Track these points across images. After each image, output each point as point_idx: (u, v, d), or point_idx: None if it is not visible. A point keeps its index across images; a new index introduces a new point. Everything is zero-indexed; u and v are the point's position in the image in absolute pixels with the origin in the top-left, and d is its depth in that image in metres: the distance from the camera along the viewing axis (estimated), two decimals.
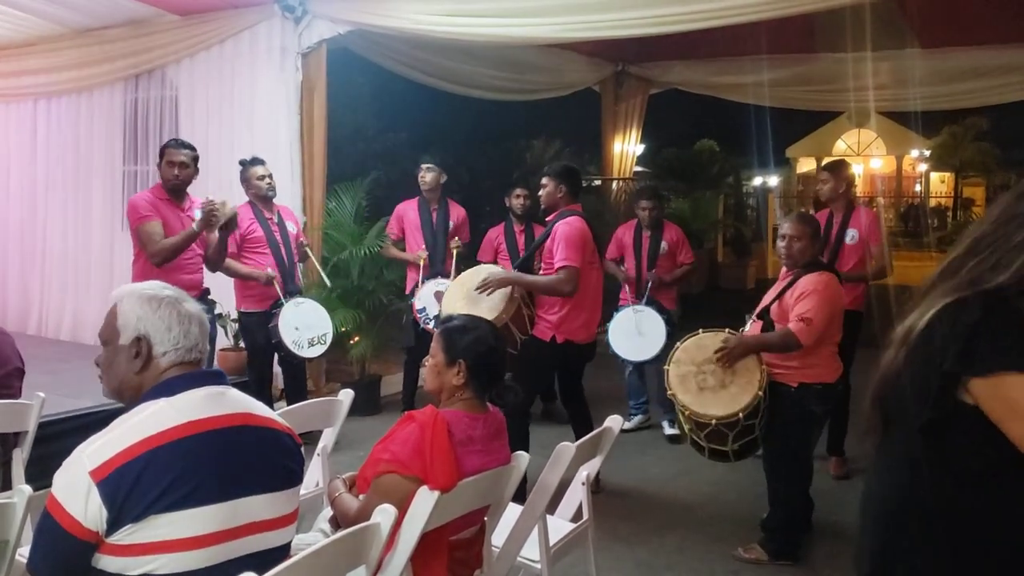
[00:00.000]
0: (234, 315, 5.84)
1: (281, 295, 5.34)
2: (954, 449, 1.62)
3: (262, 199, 5.46)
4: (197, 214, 4.97)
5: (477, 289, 4.51)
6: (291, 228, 5.63)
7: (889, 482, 1.75)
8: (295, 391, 5.63)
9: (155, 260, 4.71)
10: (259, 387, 5.45)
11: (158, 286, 1.96)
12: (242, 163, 5.53)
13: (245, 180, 5.50)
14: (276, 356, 5.58)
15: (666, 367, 4.04)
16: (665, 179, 15.19)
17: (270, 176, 5.48)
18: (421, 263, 5.94)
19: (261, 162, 5.52)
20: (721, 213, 15.81)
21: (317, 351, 5.51)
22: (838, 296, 3.97)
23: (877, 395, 1.76)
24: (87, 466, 1.69)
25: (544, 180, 4.72)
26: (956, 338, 1.59)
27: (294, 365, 5.65)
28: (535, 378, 4.62)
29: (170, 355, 1.89)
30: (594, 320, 4.72)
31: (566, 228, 4.47)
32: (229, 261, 5.34)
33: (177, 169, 4.90)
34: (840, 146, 29.27)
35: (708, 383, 3.89)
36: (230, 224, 4.89)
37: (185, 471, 1.74)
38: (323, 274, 5.75)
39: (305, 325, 5.40)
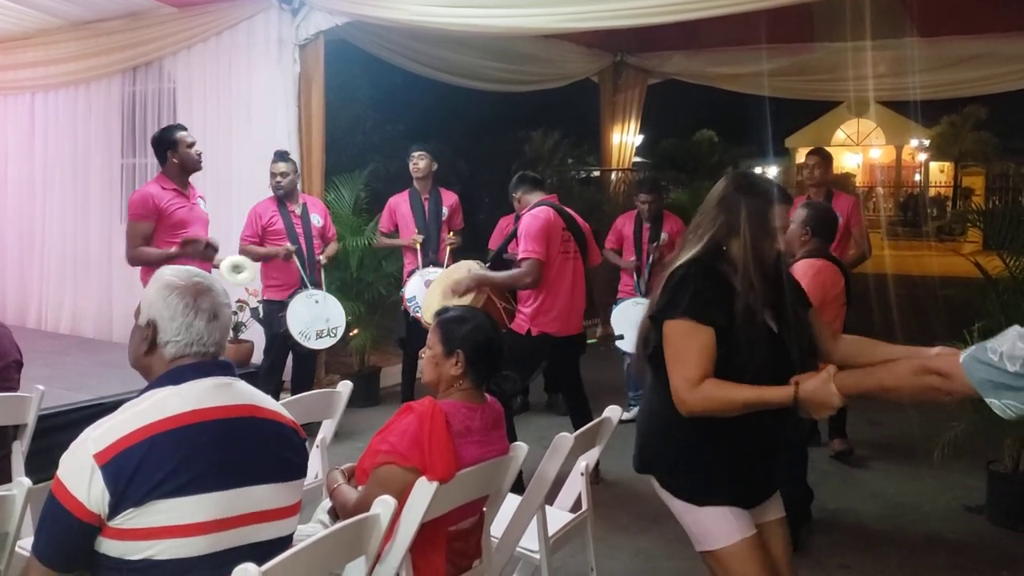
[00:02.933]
0: (234, 307, 5.86)
1: (303, 274, 5.44)
2: (666, 375, 2.31)
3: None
4: (201, 204, 5.04)
5: (452, 291, 4.50)
6: (316, 221, 5.65)
7: (645, 403, 2.56)
8: (301, 381, 5.67)
9: (129, 262, 4.85)
10: (269, 375, 5.50)
11: (183, 273, 1.96)
12: (274, 154, 5.60)
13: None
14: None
15: None
16: (664, 169, 15.21)
17: (282, 175, 5.48)
18: (417, 247, 5.91)
19: (283, 158, 5.54)
20: None
21: (325, 343, 5.54)
22: (828, 282, 3.94)
23: (639, 345, 2.51)
24: (91, 449, 1.72)
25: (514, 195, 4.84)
26: (664, 293, 2.33)
27: (304, 356, 5.68)
28: (516, 371, 4.60)
29: (171, 346, 1.90)
30: (572, 312, 4.61)
31: (529, 220, 4.46)
32: (248, 245, 5.47)
33: (195, 152, 4.92)
34: (839, 136, 29.27)
35: None
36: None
37: (187, 458, 1.75)
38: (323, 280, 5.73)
39: (315, 317, 5.42)
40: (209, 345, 1.93)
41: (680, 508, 2.40)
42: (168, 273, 1.96)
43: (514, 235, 4.67)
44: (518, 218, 6.02)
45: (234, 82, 6.54)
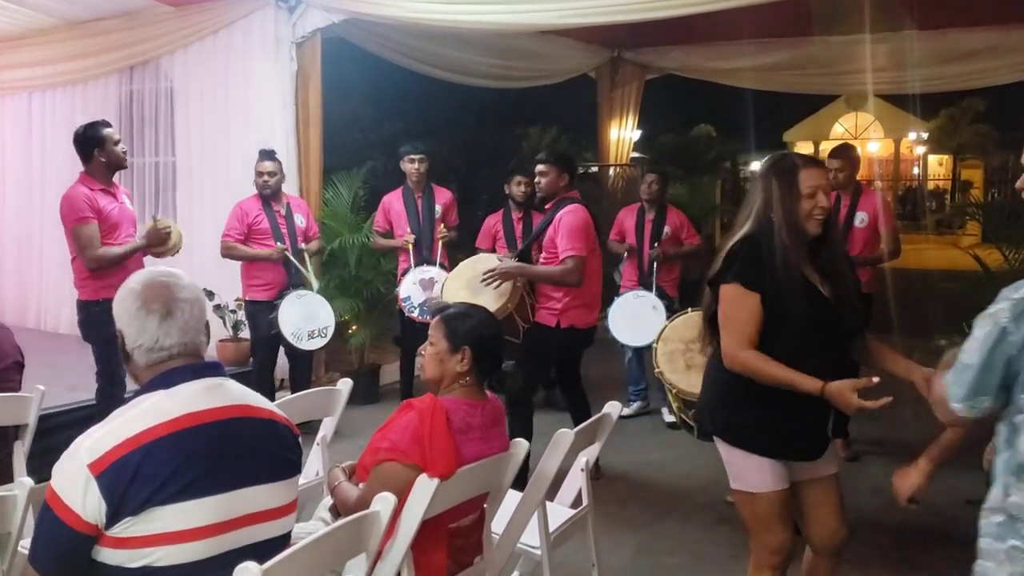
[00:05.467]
0: (232, 306, 5.84)
1: (293, 274, 5.40)
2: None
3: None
4: (127, 202, 4.81)
5: (482, 280, 4.51)
6: (299, 221, 5.62)
7: (709, 366, 2.80)
8: (299, 381, 5.65)
9: (92, 266, 4.43)
10: (261, 376, 5.47)
11: (145, 275, 1.92)
12: (259, 152, 5.54)
13: (255, 170, 5.51)
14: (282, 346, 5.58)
15: (654, 345, 4.08)
16: (662, 165, 15.17)
17: (270, 174, 5.43)
18: (410, 247, 5.91)
19: (269, 157, 5.48)
20: (719, 198, 15.80)
21: (317, 344, 5.52)
22: None
23: (705, 318, 2.77)
24: (85, 459, 1.69)
25: (543, 167, 4.67)
26: (721, 263, 2.63)
27: (298, 356, 5.65)
28: (539, 365, 4.63)
29: (138, 352, 1.87)
30: (596, 305, 4.74)
31: (571, 218, 4.46)
32: (237, 245, 5.42)
33: (120, 149, 4.68)
34: (837, 129, 29.23)
35: (695, 361, 3.94)
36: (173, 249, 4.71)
37: (183, 463, 1.74)
38: (312, 279, 5.63)
39: (306, 317, 5.40)
40: (171, 348, 1.86)
41: (723, 448, 2.72)
42: (133, 281, 1.91)
43: (541, 231, 4.66)
44: (522, 203, 5.99)
45: (231, 81, 6.54)
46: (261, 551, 1.79)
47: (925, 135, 29.19)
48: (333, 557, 2.06)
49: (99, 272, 4.46)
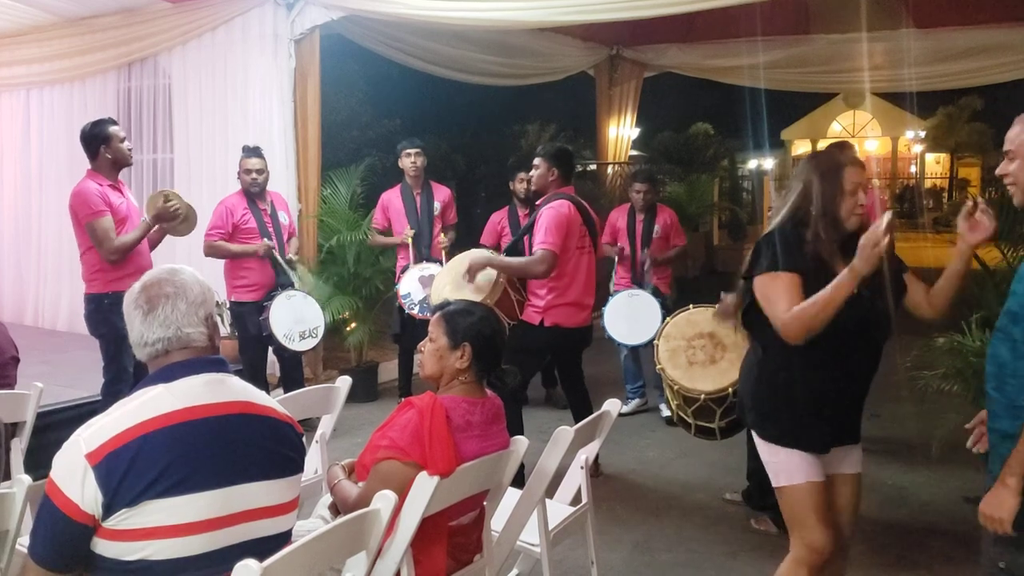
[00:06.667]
0: (230, 304, 5.84)
1: (283, 274, 5.37)
2: (758, 329, 2.72)
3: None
4: (131, 198, 4.84)
5: (464, 276, 4.50)
6: (283, 219, 5.60)
7: (745, 359, 2.88)
8: (291, 381, 5.63)
9: (113, 258, 4.47)
10: (252, 375, 5.44)
11: (145, 278, 1.95)
12: (243, 150, 5.50)
13: (240, 168, 5.47)
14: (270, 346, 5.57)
15: (656, 342, 4.08)
16: (660, 163, 15.18)
17: (258, 172, 5.41)
18: (409, 242, 5.90)
19: (256, 154, 5.45)
20: (717, 196, 15.80)
21: (309, 344, 5.50)
22: None
23: (737, 312, 2.85)
24: (83, 449, 1.70)
25: (536, 162, 4.66)
26: (753, 256, 2.68)
27: (287, 357, 5.64)
28: (525, 363, 4.61)
29: (136, 351, 1.91)
30: (586, 305, 4.63)
31: (550, 211, 4.43)
32: (222, 243, 5.37)
33: (127, 147, 4.70)
34: (835, 128, 29.28)
35: (698, 358, 3.94)
36: (186, 224, 4.66)
37: (179, 457, 1.74)
38: (300, 280, 5.60)
39: (296, 318, 5.39)
40: (155, 343, 1.88)
41: (762, 446, 2.72)
42: (140, 280, 1.95)
43: (531, 226, 4.65)
44: (526, 199, 5.98)
45: (229, 78, 6.52)
46: (260, 548, 1.78)
47: (922, 133, 29.24)
48: (333, 555, 2.06)
49: (116, 263, 4.47)
